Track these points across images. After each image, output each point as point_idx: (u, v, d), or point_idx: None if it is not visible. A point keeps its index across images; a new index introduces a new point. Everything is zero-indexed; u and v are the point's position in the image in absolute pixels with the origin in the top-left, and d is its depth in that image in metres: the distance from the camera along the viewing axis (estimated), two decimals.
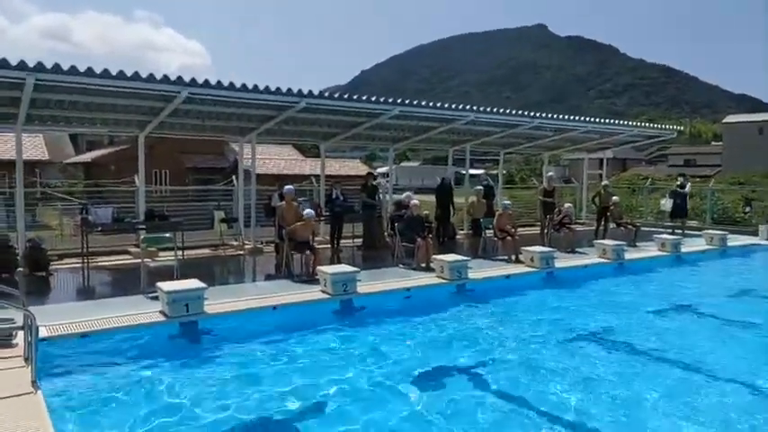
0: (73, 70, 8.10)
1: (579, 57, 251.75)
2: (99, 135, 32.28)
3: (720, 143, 58.29)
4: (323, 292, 8.04)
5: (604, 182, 16.21)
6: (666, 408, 5.10)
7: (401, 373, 5.78)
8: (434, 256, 9.67)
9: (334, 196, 12.14)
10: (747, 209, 18.80)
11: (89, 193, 20.31)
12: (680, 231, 15.22)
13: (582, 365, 6.14)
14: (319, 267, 8.46)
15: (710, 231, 14.37)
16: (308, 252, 9.21)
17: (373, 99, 11.25)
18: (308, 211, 9.72)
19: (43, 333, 5.71)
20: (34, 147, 26.26)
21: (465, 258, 9.47)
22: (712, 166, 50.21)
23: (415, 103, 11.94)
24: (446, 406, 5.07)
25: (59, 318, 6.42)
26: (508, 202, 13.04)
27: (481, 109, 12.78)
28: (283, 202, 9.92)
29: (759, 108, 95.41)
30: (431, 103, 12.23)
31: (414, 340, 6.93)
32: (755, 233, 15.46)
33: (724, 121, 58.46)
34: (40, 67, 7.85)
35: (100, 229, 10.13)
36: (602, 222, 14.53)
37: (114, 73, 8.41)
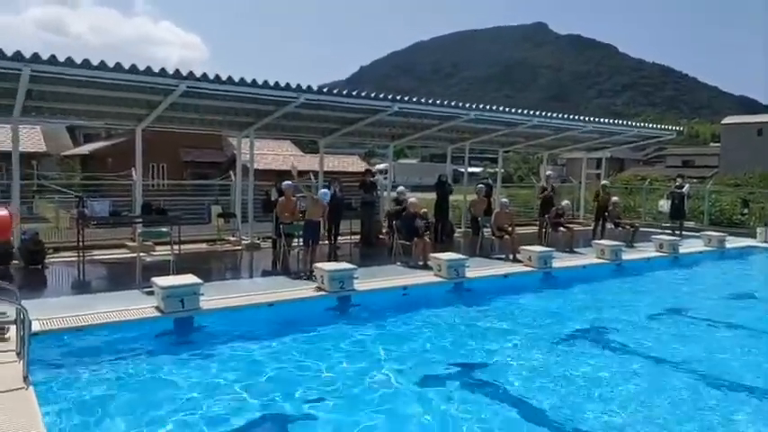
0: (69, 62, 8.01)
1: (579, 55, 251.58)
2: (96, 128, 32.17)
3: (719, 144, 58.31)
4: (320, 288, 7.99)
5: (603, 181, 16.20)
6: (661, 412, 5.08)
7: (396, 372, 5.75)
8: (432, 255, 9.62)
9: (332, 192, 12.07)
10: (745, 210, 18.81)
11: (86, 185, 20.22)
12: (678, 232, 15.20)
13: (577, 366, 6.12)
14: (316, 264, 8.41)
15: (709, 233, 14.36)
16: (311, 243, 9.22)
17: (372, 95, 11.18)
18: (322, 191, 9.70)
19: (37, 327, 5.65)
20: (31, 138, 26.13)
21: (463, 257, 9.43)
22: (710, 168, 50.22)
23: (414, 99, 11.87)
24: (446, 406, 5.03)
25: (53, 312, 6.36)
26: (506, 199, 12.99)
27: (480, 107, 12.72)
28: (283, 198, 9.90)
29: (758, 110, 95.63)
30: (430, 101, 12.17)
31: (408, 338, 6.90)
32: (753, 235, 15.45)
33: (723, 122, 58.42)
34: (35, 58, 7.76)
35: (96, 222, 10.07)
36: (601, 222, 14.51)
37: (111, 65, 8.33)
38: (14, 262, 9.25)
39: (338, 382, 5.46)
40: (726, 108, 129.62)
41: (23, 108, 9.71)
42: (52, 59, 7.90)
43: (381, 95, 11.26)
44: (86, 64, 8.12)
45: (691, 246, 13.69)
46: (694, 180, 28.11)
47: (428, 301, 8.29)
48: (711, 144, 68.92)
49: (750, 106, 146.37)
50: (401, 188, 12.84)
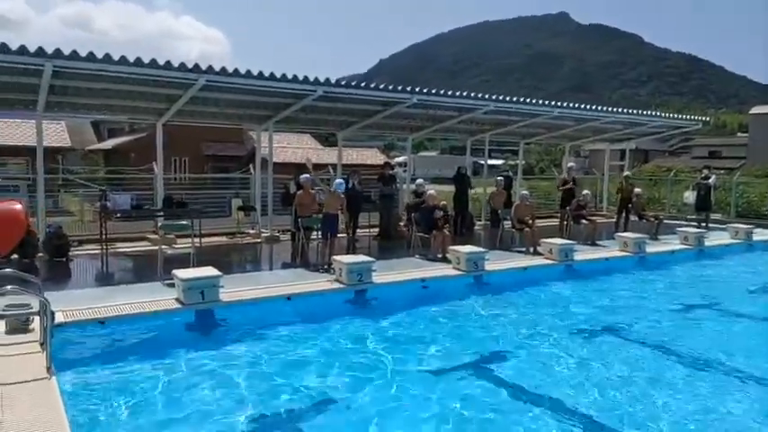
0: (90, 57, 8.11)
1: (602, 45, 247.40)
2: (120, 122, 32.64)
3: (746, 134, 56.83)
4: (338, 281, 7.99)
5: (626, 173, 15.93)
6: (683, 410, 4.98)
7: (411, 365, 5.73)
8: (451, 247, 9.56)
9: (350, 185, 12.07)
10: None
11: (109, 179, 20.52)
12: (704, 225, 14.87)
13: (594, 361, 6.03)
14: (334, 257, 8.42)
15: (736, 225, 14.03)
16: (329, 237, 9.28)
17: (390, 88, 11.12)
18: (338, 181, 9.75)
19: (60, 318, 5.77)
20: (56, 133, 26.61)
21: (482, 250, 9.35)
22: (738, 158, 48.97)
23: (433, 91, 11.78)
24: (464, 401, 5.00)
25: (77, 303, 6.47)
26: (527, 192, 12.85)
27: (501, 98, 12.57)
28: (302, 191, 9.93)
29: None
30: (449, 92, 12.06)
31: (427, 331, 6.87)
32: None
33: (751, 111, 56.84)
34: (57, 54, 7.87)
35: (119, 215, 10.22)
36: (624, 214, 14.27)
37: (131, 60, 8.40)
38: (40, 255, 9.43)
39: (354, 376, 5.46)
40: (753, 97, 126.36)
41: (46, 103, 9.87)
42: (74, 55, 8.01)
43: (399, 87, 11.20)
44: (107, 59, 8.22)
45: (717, 238, 13.40)
46: (721, 171, 27.42)
47: (447, 294, 8.24)
48: (739, 134, 67.20)
49: None
50: (420, 180, 12.79)
